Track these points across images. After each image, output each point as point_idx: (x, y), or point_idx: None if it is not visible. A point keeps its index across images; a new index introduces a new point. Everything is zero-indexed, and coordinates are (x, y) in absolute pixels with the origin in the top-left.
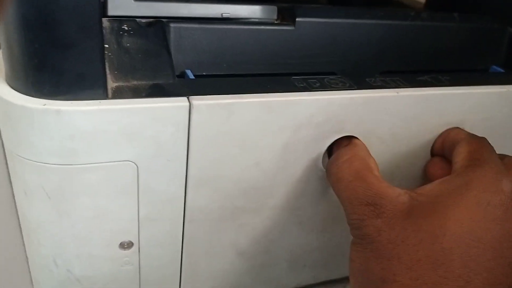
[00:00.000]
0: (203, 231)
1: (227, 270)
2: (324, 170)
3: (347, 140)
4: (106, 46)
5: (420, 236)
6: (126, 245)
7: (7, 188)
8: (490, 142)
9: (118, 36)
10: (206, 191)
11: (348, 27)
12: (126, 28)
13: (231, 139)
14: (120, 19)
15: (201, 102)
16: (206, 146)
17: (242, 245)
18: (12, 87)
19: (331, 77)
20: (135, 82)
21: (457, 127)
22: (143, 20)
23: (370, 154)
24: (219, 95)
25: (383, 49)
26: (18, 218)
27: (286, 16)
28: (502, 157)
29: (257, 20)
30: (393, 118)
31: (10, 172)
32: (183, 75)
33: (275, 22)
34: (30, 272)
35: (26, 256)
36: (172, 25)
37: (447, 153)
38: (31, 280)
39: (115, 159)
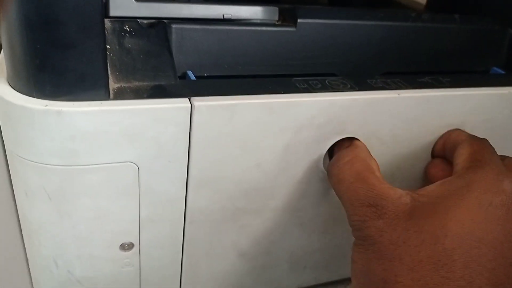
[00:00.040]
0: (204, 232)
1: (228, 272)
2: (325, 171)
3: (348, 141)
4: (108, 47)
5: (422, 237)
6: (126, 246)
7: (8, 189)
8: (491, 143)
9: (120, 37)
10: (207, 192)
11: (349, 28)
12: (127, 29)
13: (232, 140)
14: (121, 20)
15: (202, 103)
16: (207, 147)
17: (243, 246)
18: (13, 88)
19: (332, 78)
20: (136, 83)
21: (458, 129)
22: (145, 21)
23: (371, 155)
24: (220, 96)
25: (384, 50)
26: (18, 219)
27: (287, 17)
28: (503, 158)
29: (258, 21)
30: (394, 119)
31: (10, 173)
32: (184, 76)
33: (276, 23)
34: (30, 272)
35: (26, 257)
36: (173, 26)
37: (448, 155)
38: (31, 281)
39: (116, 160)
